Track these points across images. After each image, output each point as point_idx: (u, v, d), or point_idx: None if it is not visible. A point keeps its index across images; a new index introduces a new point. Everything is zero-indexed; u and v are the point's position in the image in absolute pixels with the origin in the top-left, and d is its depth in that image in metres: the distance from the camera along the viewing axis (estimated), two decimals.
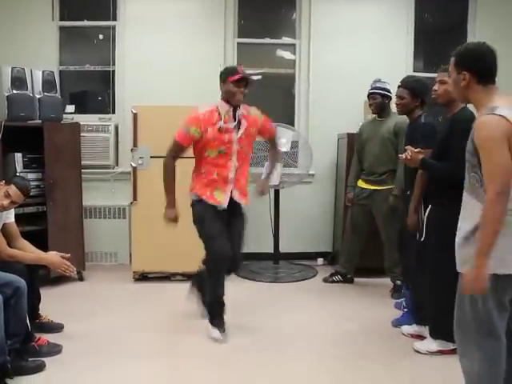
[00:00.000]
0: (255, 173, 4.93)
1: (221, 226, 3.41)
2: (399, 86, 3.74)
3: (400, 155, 3.32)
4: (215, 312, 3.49)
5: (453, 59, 2.22)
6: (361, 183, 4.61)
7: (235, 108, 3.46)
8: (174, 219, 3.53)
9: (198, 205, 3.47)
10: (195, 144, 3.46)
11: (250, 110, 3.59)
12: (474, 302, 2.12)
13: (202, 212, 3.45)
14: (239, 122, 3.46)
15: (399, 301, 4.11)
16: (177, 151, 3.47)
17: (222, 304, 3.49)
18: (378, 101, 4.43)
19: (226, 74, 3.45)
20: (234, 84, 3.36)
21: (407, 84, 3.70)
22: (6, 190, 3.22)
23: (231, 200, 3.48)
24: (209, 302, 3.54)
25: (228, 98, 3.42)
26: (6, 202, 3.21)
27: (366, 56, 5.44)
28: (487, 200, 1.99)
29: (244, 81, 3.39)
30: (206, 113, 3.41)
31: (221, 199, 3.45)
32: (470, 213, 2.13)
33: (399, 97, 3.70)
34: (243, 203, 3.58)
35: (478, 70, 2.12)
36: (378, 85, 4.47)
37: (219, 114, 3.43)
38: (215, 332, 3.44)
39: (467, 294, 2.12)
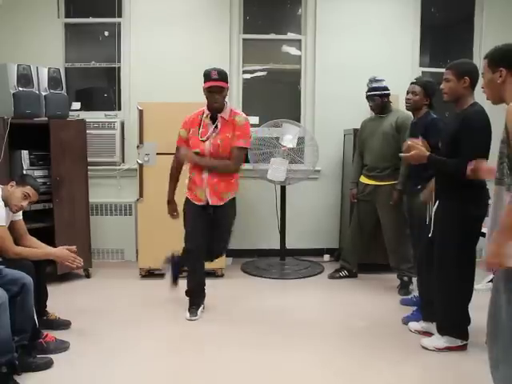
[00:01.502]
0: (262, 169, 4.95)
1: (198, 225, 3.69)
2: (413, 83, 3.78)
3: (400, 154, 3.28)
4: (191, 298, 3.83)
5: (485, 61, 2.28)
6: (363, 179, 4.61)
7: (215, 112, 3.61)
8: (173, 214, 3.90)
9: (186, 203, 3.77)
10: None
11: (237, 116, 3.68)
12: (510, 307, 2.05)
13: (187, 210, 3.76)
14: (217, 126, 3.62)
15: (407, 297, 4.10)
16: (176, 153, 3.79)
17: (200, 292, 3.85)
18: (378, 102, 4.42)
19: (204, 78, 3.56)
20: (206, 91, 3.54)
21: (422, 82, 3.79)
22: (24, 191, 3.25)
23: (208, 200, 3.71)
24: (186, 290, 3.87)
25: (207, 102, 3.61)
26: (25, 204, 3.28)
27: (372, 51, 5.41)
28: None
29: (216, 88, 3.50)
30: (192, 115, 3.70)
31: (201, 197, 3.70)
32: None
33: (412, 92, 3.74)
34: (213, 202, 3.70)
35: None
36: (374, 85, 4.45)
37: (202, 116, 3.64)
38: (187, 314, 3.76)
39: (503, 303, 2.07)
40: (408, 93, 3.83)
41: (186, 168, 3.81)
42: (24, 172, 4.33)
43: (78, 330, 3.49)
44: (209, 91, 3.53)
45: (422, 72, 5.59)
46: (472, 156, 2.88)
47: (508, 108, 2.05)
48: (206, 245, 3.76)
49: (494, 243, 2.08)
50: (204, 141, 3.60)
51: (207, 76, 3.54)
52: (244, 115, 3.73)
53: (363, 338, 3.45)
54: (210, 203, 3.68)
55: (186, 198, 3.76)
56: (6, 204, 3.19)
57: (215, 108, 3.59)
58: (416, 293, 3.86)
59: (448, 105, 3.23)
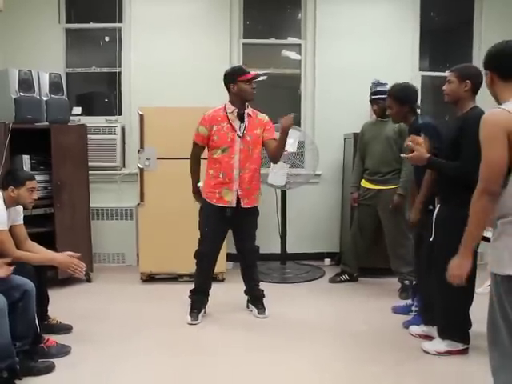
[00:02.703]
0: (263, 173, 4.93)
1: (214, 228, 3.70)
2: (389, 95, 3.78)
3: (402, 155, 3.30)
4: (193, 302, 3.83)
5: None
6: (365, 183, 4.62)
7: (241, 108, 3.63)
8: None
9: (206, 205, 3.72)
10: (208, 145, 3.68)
11: (258, 114, 3.76)
12: (506, 314, 2.04)
13: (206, 212, 3.73)
14: (244, 122, 3.64)
15: (399, 305, 4.05)
16: (194, 149, 3.76)
17: (203, 296, 3.86)
18: (382, 105, 4.43)
19: (236, 74, 3.61)
20: (246, 82, 3.58)
21: (393, 93, 3.74)
22: (27, 188, 3.27)
23: (239, 201, 3.67)
24: (191, 290, 3.87)
25: (242, 96, 3.61)
26: (35, 196, 3.36)
27: (372, 55, 5.42)
28: (474, 194, 2.09)
29: (254, 78, 3.60)
30: (211, 112, 3.66)
31: (229, 199, 3.65)
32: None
33: (388, 107, 3.76)
34: (245, 204, 3.69)
35: (499, 67, 2.16)
36: (378, 88, 4.48)
37: (226, 113, 3.63)
38: (188, 318, 3.76)
39: (498, 310, 2.07)
40: (387, 107, 3.84)
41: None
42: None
43: (79, 335, 3.49)
44: (249, 81, 3.58)
45: (422, 76, 5.60)
46: (471, 159, 2.90)
47: (482, 121, 2.08)
48: (220, 248, 3.83)
49: (458, 255, 2.19)
50: (233, 137, 3.61)
51: (242, 70, 3.65)
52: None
53: (364, 342, 3.45)
54: (243, 205, 3.66)
55: (204, 200, 3.74)
56: (8, 206, 3.20)
57: (253, 98, 3.64)
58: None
59: (448, 109, 3.24)
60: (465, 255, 2.19)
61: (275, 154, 3.70)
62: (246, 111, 3.65)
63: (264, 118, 3.74)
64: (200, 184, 3.81)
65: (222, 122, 3.62)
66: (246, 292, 4.02)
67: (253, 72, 3.63)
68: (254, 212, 3.80)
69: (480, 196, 2.07)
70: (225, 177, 3.62)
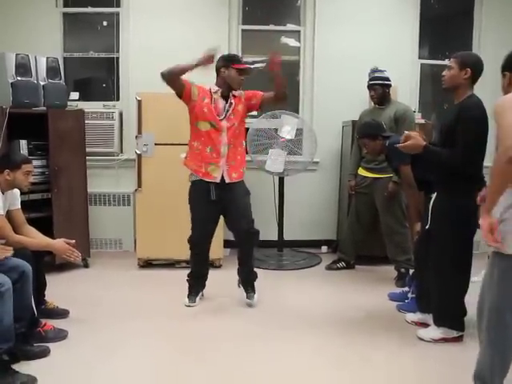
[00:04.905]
0: (260, 160, 4.94)
1: (205, 212, 3.70)
2: (359, 138, 4.02)
3: (397, 145, 3.25)
4: (191, 285, 3.88)
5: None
6: (361, 171, 4.63)
7: (226, 91, 3.67)
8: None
9: (194, 187, 3.72)
10: (191, 113, 3.68)
11: (241, 92, 3.79)
12: (494, 296, 2.11)
13: (196, 196, 3.72)
14: (230, 103, 3.68)
15: (395, 292, 4.08)
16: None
17: (201, 279, 3.92)
18: (379, 91, 4.44)
19: (231, 60, 3.66)
20: (236, 71, 3.62)
21: (363, 133, 3.97)
22: (23, 172, 3.27)
23: (224, 177, 3.68)
24: (188, 274, 3.92)
25: (229, 82, 3.65)
26: (31, 179, 3.38)
27: (371, 43, 5.40)
28: (495, 159, 2.04)
29: (246, 71, 3.66)
30: (203, 86, 3.71)
31: (216, 175, 3.64)
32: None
33: (365, 146, 3.97)
34: (233, 179, 3.69)
35: None
36: (376, 75, 4.48)
37: (210, 92, 3.68)
38: (186, 300, 3.83)
39: (489, 290, 2.14)
40: (363, 147, 4.08)
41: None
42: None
43: (75, 319, 3.50)
44: (240, 72, 3.62)
45: (421, 64, 5.59)
46: (468, 146, 2.90)
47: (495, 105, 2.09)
48: (212, 232, 3.82)
49: (484, 217, 2.11)
50: (222, 119, 3.63)
51: (238, 58, 3.72)
52: None
53: (360, 329, 3.46)
54: (229, 180, 3.65)
55: (192, 183, 3.71)
56: (5, 190, 3.20)
57: (238, 88, 3.68)
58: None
59: (447, 97, 3.23)
60: (485, 219, 2.11)
61: (278, 93, 3.71)
62: (231, 93, 3.69)
63: (241, 94, 3.74)
64: (182, 155, 3.77)
65: (209, 99, 3.66)
66: (238, 272, 4.00)
67: (247, 65, 3.69)
68: (240, 187, 3.74)
69: (502, 158, 2.00)
70: (212, 152, 3.63)
